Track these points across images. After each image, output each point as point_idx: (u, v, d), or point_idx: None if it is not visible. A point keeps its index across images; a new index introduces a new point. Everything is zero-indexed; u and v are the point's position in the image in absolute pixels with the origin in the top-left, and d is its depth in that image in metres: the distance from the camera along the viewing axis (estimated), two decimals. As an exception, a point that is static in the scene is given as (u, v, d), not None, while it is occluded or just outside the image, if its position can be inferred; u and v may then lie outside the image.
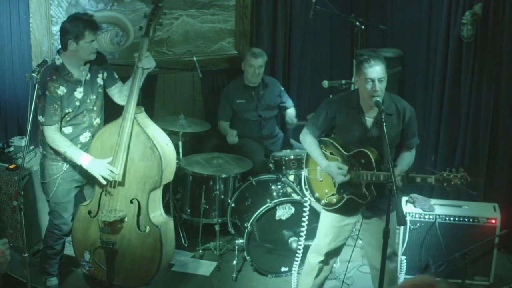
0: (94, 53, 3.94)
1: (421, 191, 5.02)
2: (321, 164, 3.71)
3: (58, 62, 3.92)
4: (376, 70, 3.49)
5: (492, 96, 4.92)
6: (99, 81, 4.09)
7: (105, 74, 4.12)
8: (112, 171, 3.95)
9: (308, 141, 3.78)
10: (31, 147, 4.80)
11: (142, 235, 4.07)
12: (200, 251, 4.93)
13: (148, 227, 4.05)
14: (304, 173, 3.94)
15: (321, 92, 5.21)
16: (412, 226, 4.48)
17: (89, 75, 4.01)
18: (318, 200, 3.84)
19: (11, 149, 4.80)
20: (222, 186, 4.89)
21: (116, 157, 3.98)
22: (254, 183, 4.86)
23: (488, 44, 4.86)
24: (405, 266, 4.35)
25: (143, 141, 4.00)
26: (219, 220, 4.85)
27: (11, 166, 4.59)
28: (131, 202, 4.05)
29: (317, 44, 6.16)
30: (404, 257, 4.38)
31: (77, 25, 3.82)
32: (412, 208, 4.50)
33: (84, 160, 3.94)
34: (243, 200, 4.84)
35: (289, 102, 5.58)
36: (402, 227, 4.39)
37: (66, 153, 3.93)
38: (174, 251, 4.33)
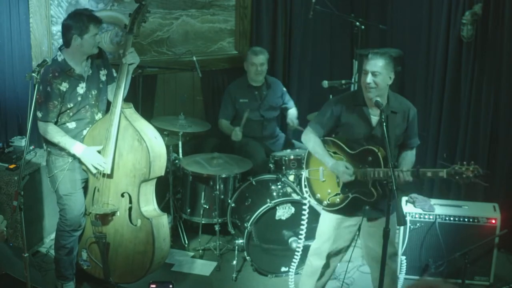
0: (97, 47, 4.03)
1: (421, 191, 5.02)
2: (327, 163, 3.65)
3: (60, 59, 3.97)
4: (371, 63, 3.55)
5: (492, 96, 4.92)
6: (101, 77, 4.15)
7: (105, 71, 4.18)
8: (102, 162, 3.99)
9: (312, 140, 3.72)
10: (31, 147, 4.80)
11: (134, 229, 4.09)
12: (200, 251, 4.93)
13: (139, 221, 4.08)
14: (304, 174, 3.89)
15: (321, 92, 5.20)
16: (412, 226, 4.48)
17: (90, 71, 4.07)
18: (319, 201, 3.80)
19: (11, 149, 4.80)
20: (222, 186, 4.89)
21: (105, 150, 4.02)
22: (254, 183, 4.85)
23: (488, 44, 4.86)
24: (405, 266, 4.35)
25: (130, 134, 4.04)
26: (219, 220, 4.84)
27: (11, 166, 4.58)
28: (122, 195, 4.09)
29: (317, 44, 6.15)
30: (404, 257, 4.38)
31: (81, 20, 3.90)
32: (412, 208, 4.50)
33: (78, 148, 3.98)
34: (243, 200, 4.83)
35: (290, 103, 5.58)
36: (402, 227, 4.39)
37: (60, 143, 3.97)
38: (169, 249, 4.32)
